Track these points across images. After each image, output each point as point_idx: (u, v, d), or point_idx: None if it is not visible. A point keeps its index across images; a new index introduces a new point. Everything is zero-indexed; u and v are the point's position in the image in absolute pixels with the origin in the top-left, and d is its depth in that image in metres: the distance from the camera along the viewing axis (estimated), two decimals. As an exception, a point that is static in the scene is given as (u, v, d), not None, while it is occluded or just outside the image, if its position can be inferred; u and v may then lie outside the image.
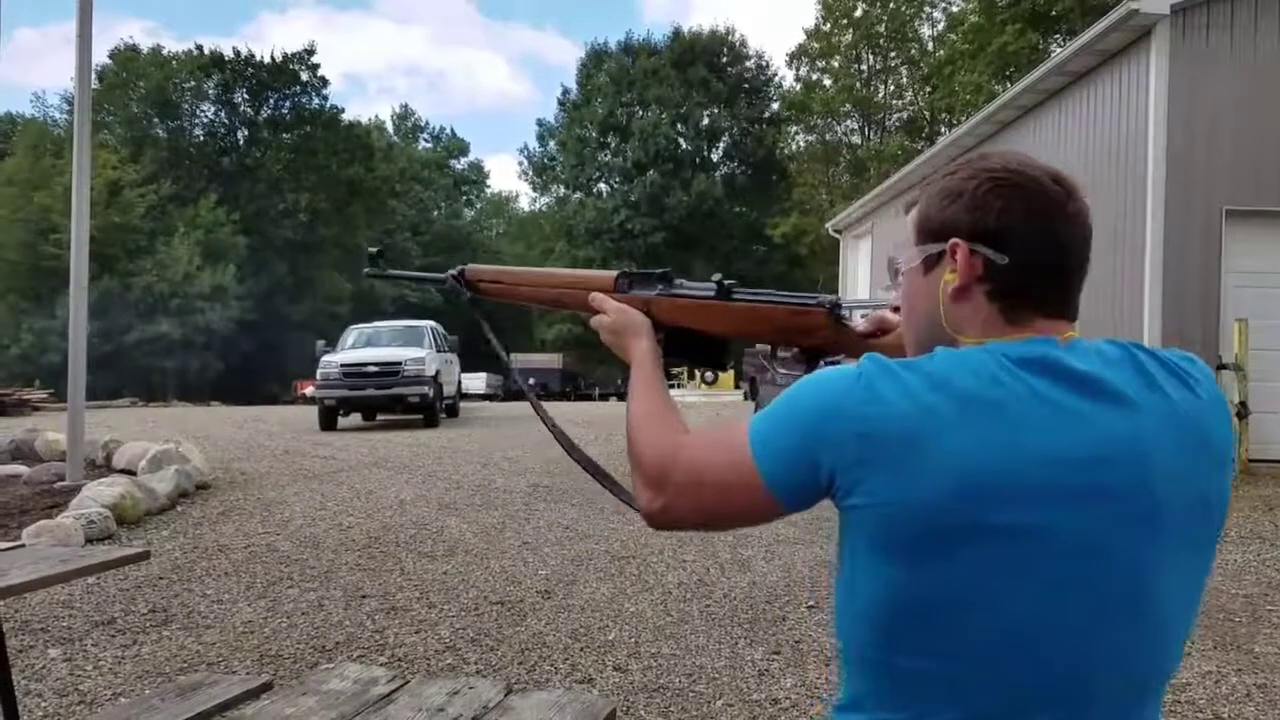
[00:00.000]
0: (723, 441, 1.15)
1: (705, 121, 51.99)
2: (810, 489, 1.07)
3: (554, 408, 23.69)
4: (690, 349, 1.49)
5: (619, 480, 1.55)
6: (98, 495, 7.22)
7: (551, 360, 44.21)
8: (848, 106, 44.49)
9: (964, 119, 19.49)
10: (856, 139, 45.94)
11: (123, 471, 8.97)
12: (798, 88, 47.49)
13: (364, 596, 5.57)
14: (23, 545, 4.29)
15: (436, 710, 2.52)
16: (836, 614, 1.12)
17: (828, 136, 45.60)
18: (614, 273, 1.53)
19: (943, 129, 37.66)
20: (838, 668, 1.12)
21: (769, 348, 1.50)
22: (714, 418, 16.92)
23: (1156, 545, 1.05)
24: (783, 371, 1.45)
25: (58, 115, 47.48)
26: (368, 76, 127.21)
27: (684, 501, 1.17)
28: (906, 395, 1.01)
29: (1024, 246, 1.10)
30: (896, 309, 1.25)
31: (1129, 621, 1.05)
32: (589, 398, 38.20)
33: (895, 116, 45.28)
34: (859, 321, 1.46)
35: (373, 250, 1.84)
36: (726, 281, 1.44)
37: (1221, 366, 9.68)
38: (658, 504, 1.19)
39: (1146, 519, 1.04)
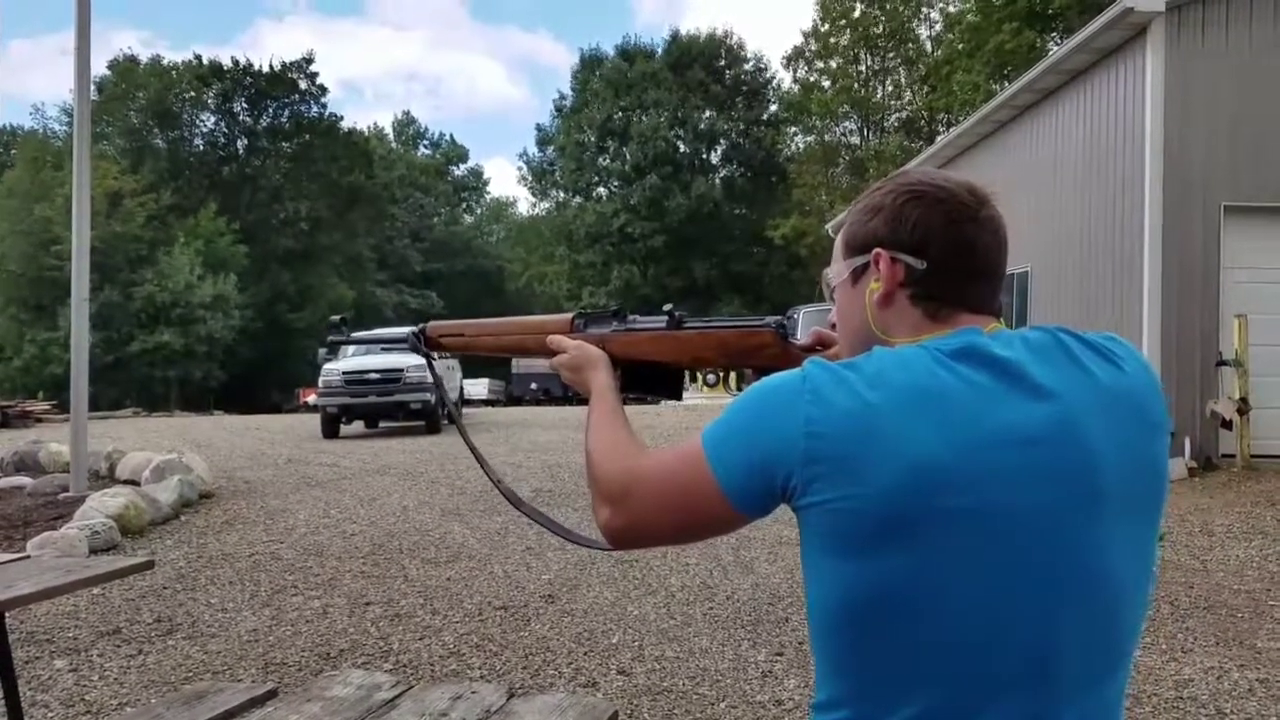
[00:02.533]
0: (680, 455, 1.17)
1: (703, 124, 52.01)
2: (766, 494, 1.10)
3: (557, 411, 23.70)
4: (647, 381, 1.55)
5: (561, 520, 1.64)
6: (101, 506, 7.24)
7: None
8: (846, 107, 44.53)
9: (962, 118, 19.51)
10: (855, 140, 45.98)
11: (126, 482, 8.99)
12: (796, 89, 47.54)
13: (368, 603, 5.59)
14: (27, 556, 4.31)
15: (440, 715, 2.53)
16: (807, 614, 1.14)
17: (826, 138, 45.62)
18: (570, 315, 1.60)
19: (941, 129, 37.70)
20: (814, 667, 1.14)
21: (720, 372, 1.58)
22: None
23: (1103, 519, 1.08)
24: None
25: (57, 127, 47.57)
26: (364, 83, 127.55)
27: (645, 517, 1.20)
28: (850, 394, 1.05)
29: (940, 252, 1.17)
30: (833, 325, 1.32)
31: (1084, 598, 1.07)
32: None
33: (894, 117, 45.32)
34: (801, 338, 1.53)
35: (335, 319, 1.93)
36: (677, 313, 1.50)
37: (1221, 363, 9.70)
38: (619, 520, 1.22)
39: (1089, 495, 1.07)
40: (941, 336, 1.13)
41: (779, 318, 1.50)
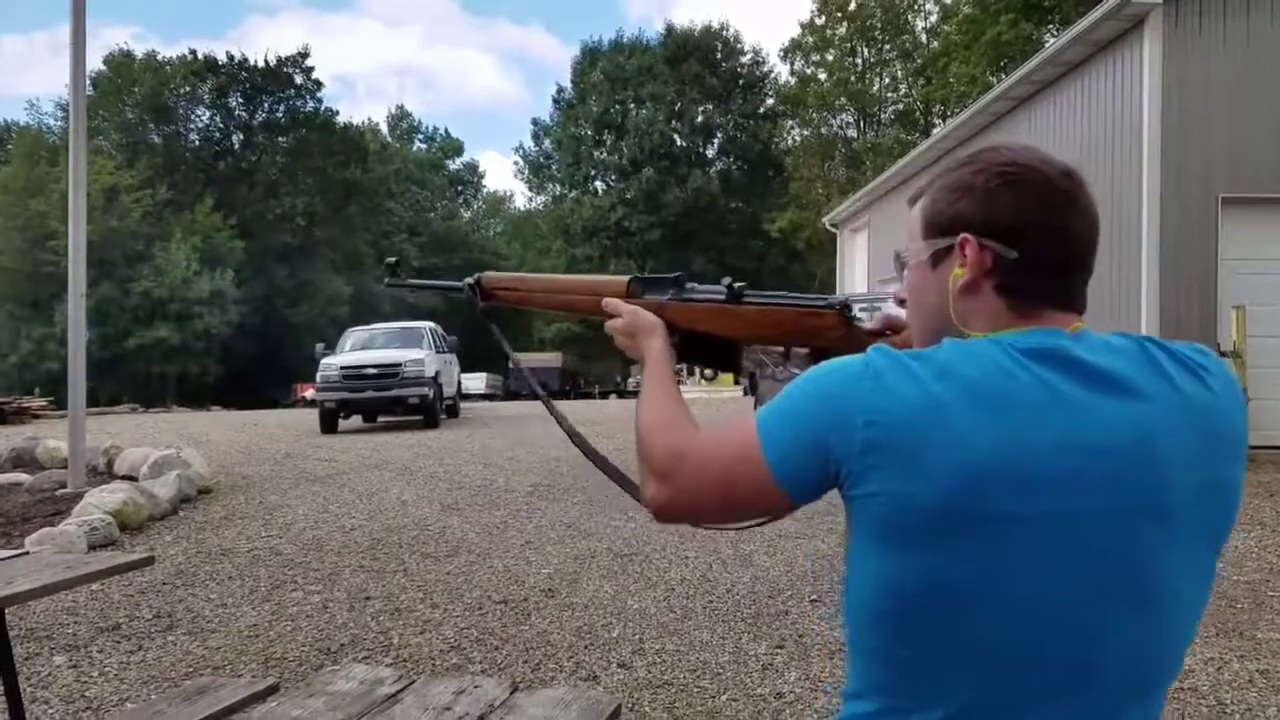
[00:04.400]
0: (732, 434, 1.14)
1: (700, 118, 51.97)
2: (817, 479, 1.07)
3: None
4: (703, 352, 1.51)
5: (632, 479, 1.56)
6: (100, 502, 7.23)
7: (551, 359, 44.21)
8: (843, 100, 44.51)
9: (959, 111, 19.49)
10: (852, 133, 45.96)
11: (124, 478, 8.97)
12: (793, 82, 47.51)
13: (368, 598, 5.58)
14: (27, 553, 4.30)
15: (443, 709, 2.53)
16: (846, 603, 1.12)
17: (823, 130, 45.60)
18: (626, 278, 1.54)
19: (938, 121, 37.68)
20: (847, 656, 1.12)
21: (780, 349, 1.51)
22: (715, 414, 16.94)
23: (1165, 536, 1.05)
24: (794, 370, 1.45)
25: (52, 122, 47.47)
26: (357, 78, 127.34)
27: (691, 493, 1.17)
28: (914, 385, 1.02)
29: (1033, 241, 1.10)
30: (902, 301, 1.25)
31: (1136, 612, 1.05)
32: (589, 396, 38.23)
33: (890, 109, 45.30)
34: (868, 321, 1.47)
35: (390, 260, 1.86)
36: (737, 284, 1.44)
37: (1220, 354, 9.69)
38: (665, 495, 1.19)
39: (1154, 509, 1.04)
40: (1021, 333, 1.09)
41: (843, 297, 1.44)
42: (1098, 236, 1.14)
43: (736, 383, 28.44)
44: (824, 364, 1.11)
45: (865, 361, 1.06)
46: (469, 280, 1.70)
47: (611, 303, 1.52)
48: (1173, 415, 1.06)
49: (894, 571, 1.04)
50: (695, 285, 1.49)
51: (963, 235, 1.12)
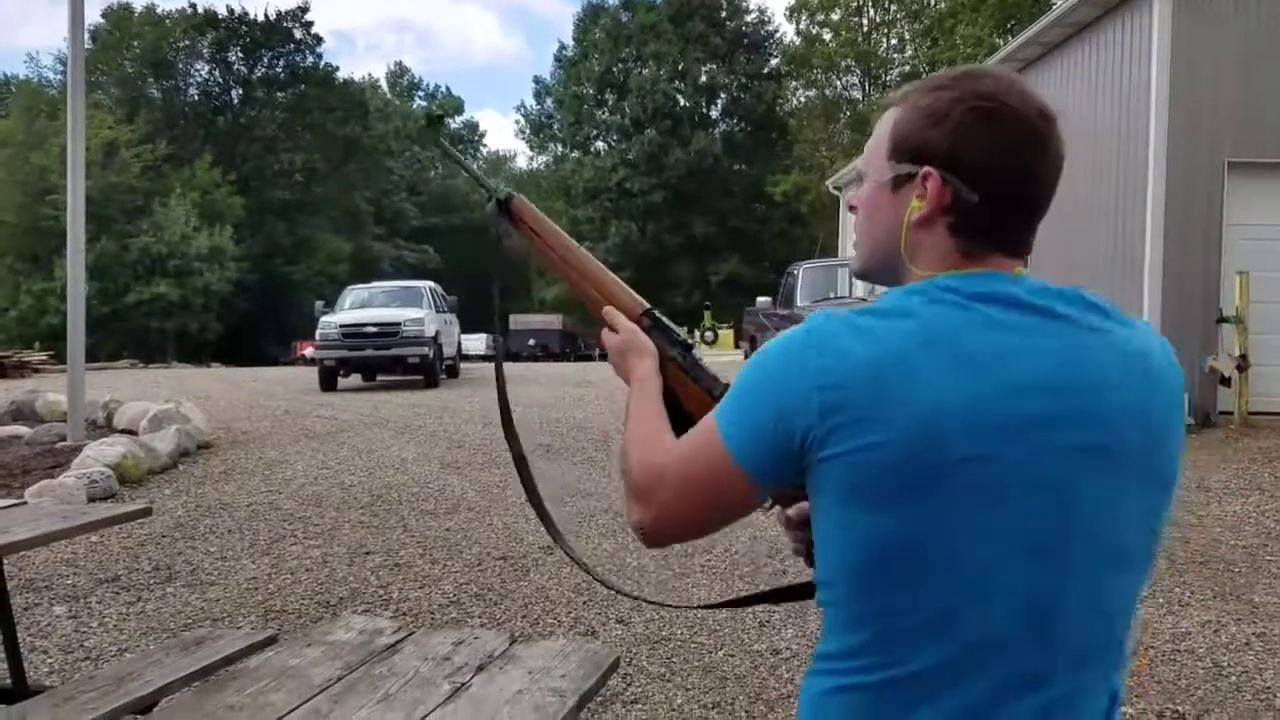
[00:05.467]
0: (695, 438, 1.13)
1: (703, 78, 51.48)
2: (784, 458, 1.05)
3: (555, 368, 23.70)
4: (672, 416, 1.37)
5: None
6: (99, 455, 7.23)
7: (551, 321, 44.05)
8: (849, 61, 44.09)
9: (965, 73, 19.28)
10: (857, 94, 45.58)
11: (124, 431, 8.98)
12: (798, 42, 47.02)
13: (367, 553, 5.60)
14: (25, 503, 4.30)
15: (442, 659, 2.53)
16: (818, 568, 1.10)
17: (828, 92, 45.23)
18: (645, 305, 1.46)
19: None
20: (821, 616, 1.11)
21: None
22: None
23: (1120, 482, 1.05)
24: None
25: (51, 76, 47.08)
26: (356, 32, 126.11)
27: (669, 509, 1.14)
28: (864, 341, 1.01)
29: (995, 183, 1.08)
30: (853, 208, 1.21)
31: (1092, 561, 1.04)
32: (589, 358, 38.15)
33: (896, 71, 44.87)
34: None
35: (437, 112, 1.77)
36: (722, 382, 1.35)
37: (1222, 319, 9.67)
38: (646, 516, 1.15)
39: (1107, 448, 1.04)
40: (963, 275, 1.07)
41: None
42: (1057, 182, 1.12)
43: (737, 345, 28.46)
44: (766, 344, 1.09)
45: (807, 330, 1.05)
46: (502, 192, 1.58)
47: (611, 313, 1.44)
48: (1114, 356, 1.06)
49: (865, 530, 1.02)
50: (700, 358, 1.40)
51: (926, 168, 1.09)
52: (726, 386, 1.33)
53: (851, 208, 1.21)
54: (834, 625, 1.09)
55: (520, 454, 1.61)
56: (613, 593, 4.81)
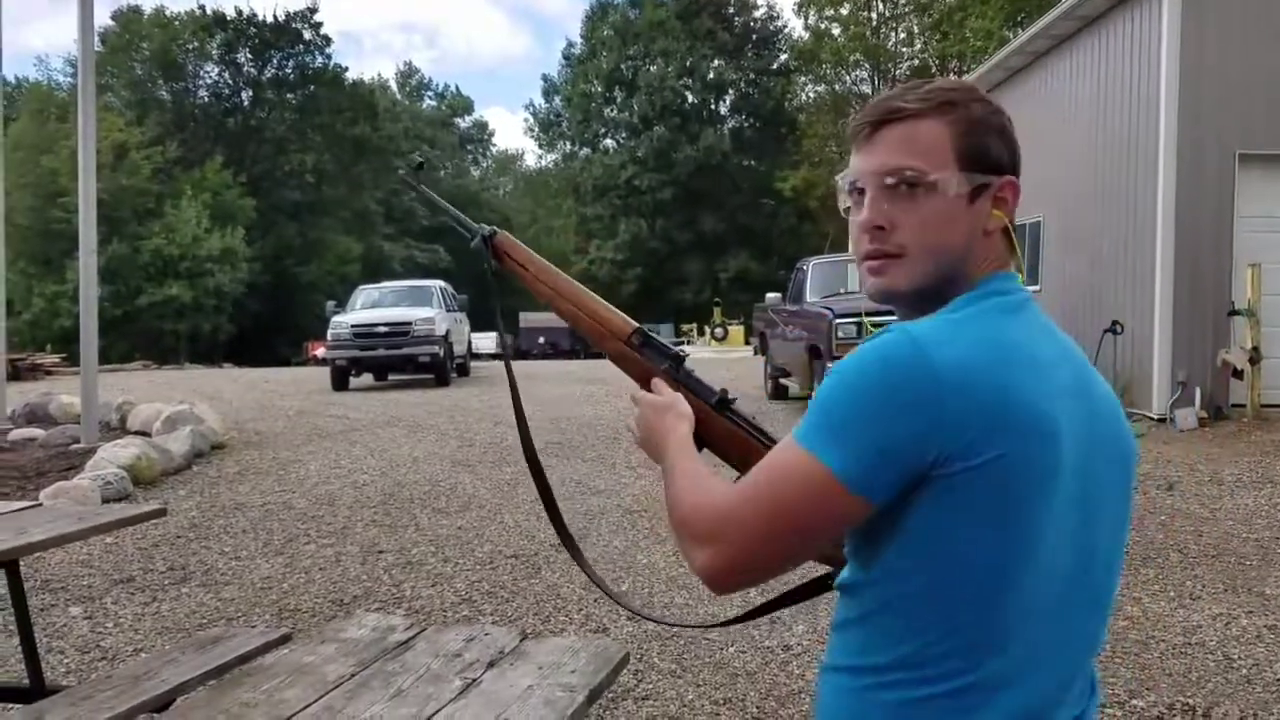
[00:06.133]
0: (776, 467, 1.07)
1: (712, 74, 51.41)
2: (904, 474, 1.01)
3: (564, 365, 23.72)
4: None
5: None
6: (113, 456, 7.28)
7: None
8: (858, 55, 43.95)
9: (974, 66, 19.26)
10: (866, 89, 45.41)
11: (137, 433, 9.03)
12: (806, 37, 46.88)
13: (380, 552, 5.63)
14: (41, 505, 4.33)
15: (454, 655, 2.55)
16: (882, 578, 1.07)
17: (837, 87, 45.10)
18: (634, 325, 1.46)
19: (953, 77, 37.15)
20: (856, 630, 1.10)
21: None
22: (726, 372, 16.94)
23: (1124, 485, 1.14)
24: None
25: (61, 78, 47.24)
26: (364, 33, 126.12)
27: (750, 544, 1.07)
28: (971, 351, 1.01)
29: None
30: (879, 228, 1.13)
31: (1110, 562, 1.12)
32: (600, 356, 38.23)
33: (905, 65, 44.71)
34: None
35: (418, 159, 1.80)
36: (730, 396, 1.36)
37: (1234, 312, 9.63)
38: (721, 558, 1.09)
39: (1121, 448, 1.13)
40: (1004, 278, 1.13)
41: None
42: None
43: (747, 342, 28.45)
44: (858, 359, 1.04)
45: (910, 340, 1.02)
46: (485, 230, 1.61)
47: (658, 383, 1.39)
48: (1093, 375, 1.13)
49: (967, 545, 1.02)
50: (693, 370, 1.40)
51: (1008, 178, 1.13)
52: (722, 396, 1.36)
53: (878, 227, 1.13)
54: (888, 635, 1.06)
55: (546, 487, 1.62)
56: (623, 589, 4.83)
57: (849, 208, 1.17)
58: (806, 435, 1.04)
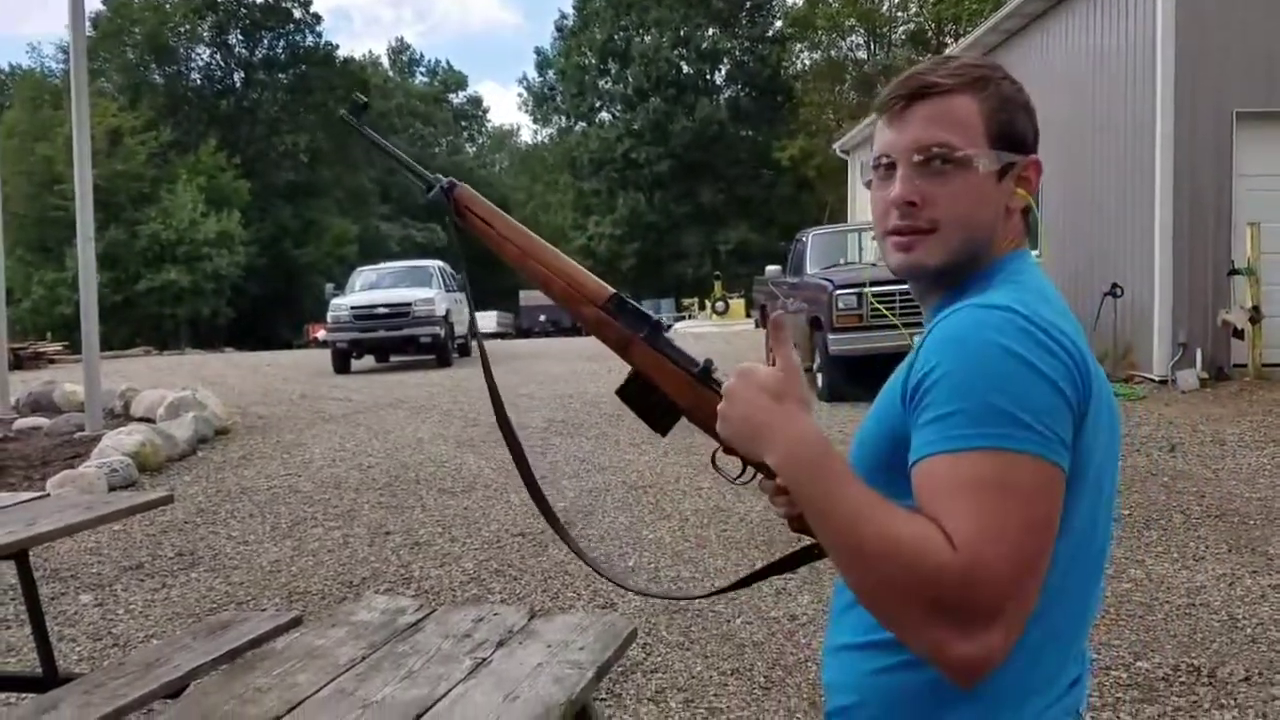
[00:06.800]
0: (1011, 490, 0.92)
1: (706, 44, 51.03)
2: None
3: (564, 343, 23.73)
4: (645, 402, 1.33)
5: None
6: (118, 444, 7.30)
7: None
8: (852, 20, 43.60)
9: (970, 29, 19.12)
10: (862, 54, 45.11)
11: (141, 419, 9.06)
12: (800, 3, 46.51)
13: (388, 533, 5.66)
14: (48, 495, 4.36)
15: (463, 636, 2.57)
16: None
17: (832, 53, 44.76)
18: (610, 290, 1.35)
19: (950, 40, 36.98)
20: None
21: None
22: (727, 345, 16.94)
23: (1117, 440, 1.14)
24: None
25: (54, 65, 46.99)
26: (353, 8, 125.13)
27: (1029, 603, 0.94)
28: (1054, 315, 1.03)
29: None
30: (911, 204, 1.10)
31: (1106, 541, 1.14)
32: (602, 331, 38.25)
33: (901, 29, 44.38)
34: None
35: (360, 98, 1.60)
36: (714, 366, 1.27)
37: (1234, 271, 9.61)
38: (1013, 635, 0.93)
39: (1116, 420, 1.14)
40: (1025, 253, 1.15)
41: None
42: None
43: (748, 315, 28.39)
44: (975, 330, 0.98)
45: (1025, 315, 0.98)
46: (443, 181, 1.45)
47: (784, 355, 1.16)
48: None
49: (1080, 516, 1.03)
50: (672, 339, 1.32)
51: (1034, 156, 1.14)
52: (705, 366, 1.26)
53: (910, 203, 1.10)
54: None
55: (521, 455, 1.55)
56: (630, 565, 4.86)
57: (870, 180, 1.16)
58: (1006, 439, 0.93)
